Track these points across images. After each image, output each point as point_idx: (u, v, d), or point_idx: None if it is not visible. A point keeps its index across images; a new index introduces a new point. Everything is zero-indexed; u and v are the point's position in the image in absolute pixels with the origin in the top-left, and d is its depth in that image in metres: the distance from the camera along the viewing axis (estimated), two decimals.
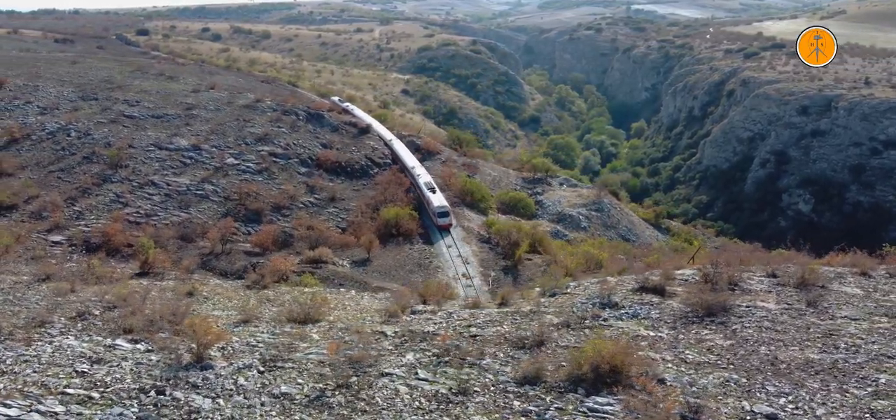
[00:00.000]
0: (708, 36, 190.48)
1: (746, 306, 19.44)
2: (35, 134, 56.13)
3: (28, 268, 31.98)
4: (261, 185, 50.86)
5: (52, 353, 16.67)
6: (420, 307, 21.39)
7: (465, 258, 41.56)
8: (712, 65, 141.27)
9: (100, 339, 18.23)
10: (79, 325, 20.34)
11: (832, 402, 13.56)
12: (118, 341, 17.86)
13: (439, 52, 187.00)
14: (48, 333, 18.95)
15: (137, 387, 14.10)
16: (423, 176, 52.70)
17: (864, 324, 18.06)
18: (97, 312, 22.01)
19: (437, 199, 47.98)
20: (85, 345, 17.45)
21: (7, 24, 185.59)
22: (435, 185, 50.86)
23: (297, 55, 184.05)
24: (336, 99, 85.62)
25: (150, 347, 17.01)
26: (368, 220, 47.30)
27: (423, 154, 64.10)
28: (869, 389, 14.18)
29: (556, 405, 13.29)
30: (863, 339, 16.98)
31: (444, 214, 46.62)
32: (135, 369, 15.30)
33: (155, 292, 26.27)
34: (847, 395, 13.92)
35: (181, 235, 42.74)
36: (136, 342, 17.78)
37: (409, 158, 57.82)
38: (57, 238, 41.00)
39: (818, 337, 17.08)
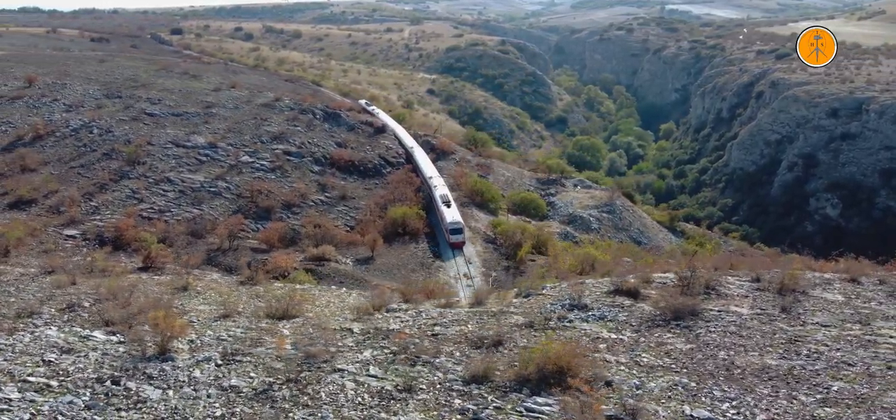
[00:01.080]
0: (741, 36, 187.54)
1: (718, 311, 19.29)
2: (59, 131, 57.75)
3: (37, 260, 32.93)
4: (273, 183, 51.64)
5: (29, 342, 17.26)
6: (395, 305, 21.61)
7: (469, 258, 41.73)
8: (742, 66, 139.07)
9: (79, 330, 18.81)
10: (65, 316, 20.98)
11: (776, 408, 13.46)
12: (95, 332, 18.40)
13: (467, 52, 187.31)
14: (33, 323, 19.59)
15: (96, 376, 14.58)
16: (440, 188, 49.86)
17: (833, 331, 17.80)
18: (87, 305, 22.64)
19: (452, 215, 44.80)
20: (62, 335, 18.02)
21: (48, 24, 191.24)
22: (451, 200, 47.78)
23: (326, 55, 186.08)
24: (363, 102, 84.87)
25: (122, 339, 17.50)
26: (377, 218, 47.75)
27: (438, 154, 64.46)
28: (818, 396, 14.02)
29: (495, 404, 13.42)
30: (827, 345, 16.76)
31: (458, 231, 43.35)
32: (100, 360, 15.80)
33: (150, 286, 26.95)
34: (794, 401, 13.79)
35: (191, 231, 43.64)
36: (113, 334, 18.30)
37: (428, 168, 55.40)
38: (71, 232, 42.18)
39: (782, 343, 16.90)
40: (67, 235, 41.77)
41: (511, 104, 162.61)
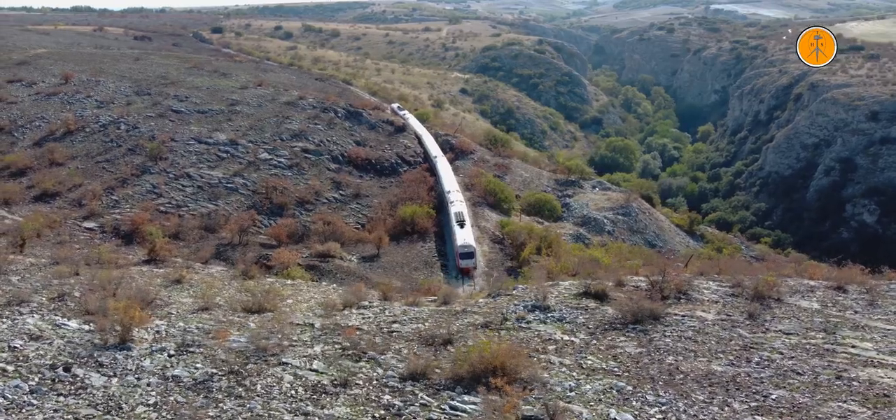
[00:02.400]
0: (784, 37, 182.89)
1: (681, 316, 19.12)
2: (89, 126, 59.70)
3: (49, 252, 34.19)
4: (289, 179, 52.53)
5: (4, 329, 18.03)
6: (367, 303, 21.92)
7: (477, 259, 41.76)
8: (783, 67, 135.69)
9: (56, 318, 19.55)
10: (52, 305, 21.79)
11: (706, 415, 13.35)
12: (71, 322, 19.11)
13: (503, 52, 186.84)
14: (18, 311, 20.42)
15: (51, 363, 15.20)
16: (457, 205, 46.77)
17: (793, 339, 17.50)
18: (77, 295, 23.49)
19: (464, 237, 41.18)
20: (38, 323, 18.77)
21: (97, 22, 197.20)
22: (467, 219, 44.54)
23: (363, 54, 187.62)
24: (395, 106, 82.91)
25: (92, 328, 18.15)
26: (388, 216, 48.18)
27: (457, 153, 64.64)
28: (752, 404, 13.86)
29: (423, 402, 13.60)
30: (782, 354, 16.50)
31: (469, 255, 39.65)
32: (62, 347, 16.44)
33: (146, 278, 27.78)
34: (726, 408, 13.66)
35: (205, 226, 44.76)
36: (87, 323, 18.98)
37: (449, 182, 52.48)
38: (90, 225, 43.67)
39: (735, 350, 16.69)
40: (86, 228, 43.26)
41: (545, 104, 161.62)
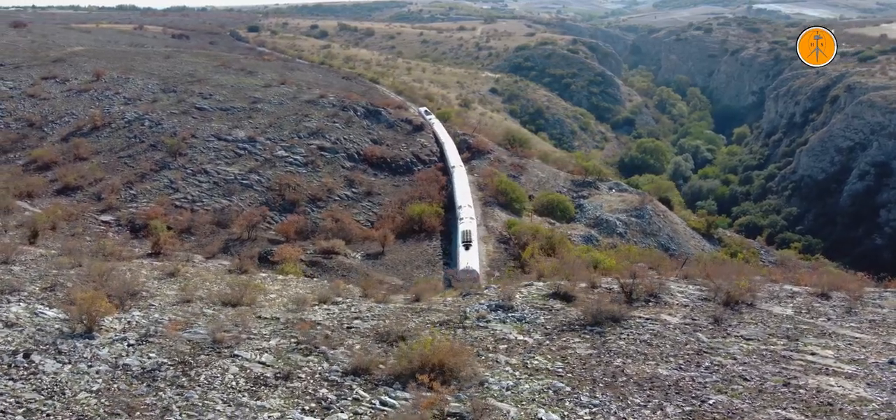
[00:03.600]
0: None
1: (644, 318, 19.02)
2: (115, 122, 61.41)
3: (61, 243, 35.37)
4: (303, 177, 53.28)
5: None
6: (340, 298, 22.26)
7: (478, 257, 41.85)
8: (819, 68, 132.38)
9: (39, 306, 20.30)
10: (42, 295, 22.62)
11: (635, 417, 13.33)
12: (49, 310, 19.82)
13: (536, 52, 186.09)
14: (7, 300, 21.27)
15: (13, 350, 15.84)
16: (466, 223, 42.76)
17: (752, 344, 17.29)
18: (70, 285, 24.31)
19: (466, 260, 37.30)
20: (19, 312, 19.53)
21: (139, 20, 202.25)
22: (473, 241, 40.17)
23: (397, 53, 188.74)
24: (422, 110, 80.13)
25: (66, 317, 18.82)
26: (397, 214, 48.56)
27: (473, 153, 64.73)
28: (687, 408, 13.79)
29: (356, 396, 13.86)
30: (735, 359, 16.34)
31: (471, 282, 32.92)
32: (31, 334, 17.10)
33: (141, 271, 28.57)
34: (658, 411, 13.62)
35: (217, 221, 45.73)
36: (65, 312, 19.67)
37: (463, 196, 48.73)
38: (106, 218, 45.01)
39: (688, 354, 16.57)
40: (103, 221, 44.60)
41: (577, 104, 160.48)
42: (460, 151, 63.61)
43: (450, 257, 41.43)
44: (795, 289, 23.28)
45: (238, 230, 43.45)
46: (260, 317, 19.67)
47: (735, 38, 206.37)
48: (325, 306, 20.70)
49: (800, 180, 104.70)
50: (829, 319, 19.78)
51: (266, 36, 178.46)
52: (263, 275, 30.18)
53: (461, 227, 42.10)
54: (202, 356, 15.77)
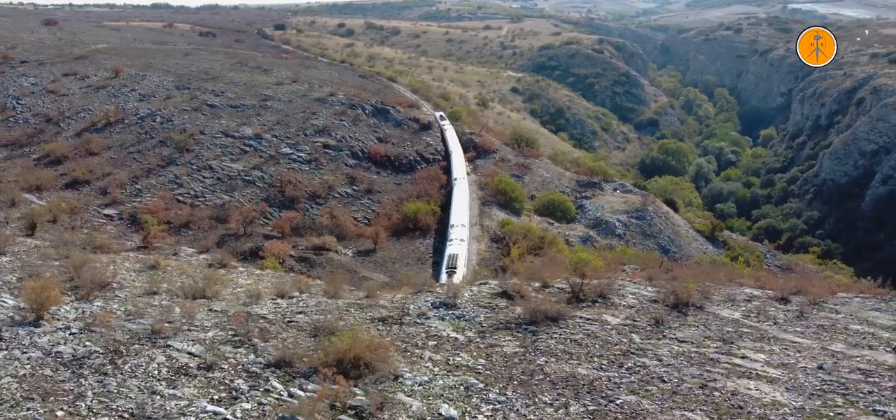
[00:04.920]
0: (858, 38, 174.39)
1: (585, 318, 19.10)
2: (128, 118, 62.82)
3: (54, 235, 36.45)
4: (305, 174, 53.95)
5: None
6: (297, 293, 22.68)
7: (469, 256, 42.04)
8: (848, 70, 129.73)
9: (3, 295, 21.09)
10: (16, 284, 23.46)
11: (535, 415, 13.48)
12: (11, 300, 20.54)
13: (560, 51, 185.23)
14: None
15: None
16: (455, 246, 38.94)
17: (684, 347, 17.30)
18: (47, 275, 25.14)
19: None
20: None
21: (170, 18, 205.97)
22: (459, 266, 36.11)
23: (421, 51, 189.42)
24: (439, 115, 76.81)
25: (24, 307, 19.53)
26: (394, 212, 48.95)
27: (479, 152, 64.81)
28: (592, 407, 13.91)
29: (267, 387, 14.22)
30: (660, 360, 16.37)
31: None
32: None
33: (123, 264, 29.35)
34: (562, 410, 13.76)
35: (216, 217, 46.58)
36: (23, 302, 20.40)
37: (458, 214, 45.05)
38: (109, 212, 46.14)
39: (614, 355, 16.63)
40: (105, 215, 45.74)
41: (600, 104, 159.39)
42: (466, 150, 63.78)
43: (440, 254, 41.65)
44: (755, 292, 23.10)
45: (234, 225, 44.19)
46: (211, 309, 20.16)
47: (765, 38, 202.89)
48: (276, 300, 21.11)
49: (822, 184, 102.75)
50: (775, 324, 19.64)
51: (291, 34, 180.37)
52: (242, 269, 30.77)
53: (448, 250, 38.65)
54: (136, 346, 16.27)
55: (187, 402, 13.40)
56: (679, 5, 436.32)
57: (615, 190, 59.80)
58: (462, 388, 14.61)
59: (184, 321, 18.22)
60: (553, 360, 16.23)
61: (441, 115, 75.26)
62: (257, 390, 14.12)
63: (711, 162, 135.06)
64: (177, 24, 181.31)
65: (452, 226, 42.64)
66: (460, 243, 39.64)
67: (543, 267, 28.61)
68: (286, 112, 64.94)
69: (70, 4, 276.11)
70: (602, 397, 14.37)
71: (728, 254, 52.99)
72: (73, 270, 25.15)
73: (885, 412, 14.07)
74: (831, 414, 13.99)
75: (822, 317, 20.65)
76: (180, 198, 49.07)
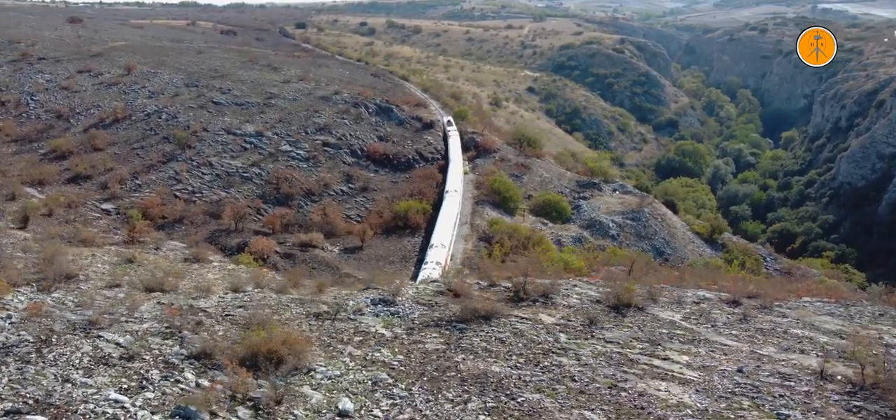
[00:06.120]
0: (885, 39, 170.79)
1: (520, 317, 19.22)
2: (135, 115, 64.07)
3: (43, 228, 37.40)
4: (303, 171, 54.58)
5: None
6: (250, 287, 23.10)
7: (454, 254, 42.25)
8: (871, 71, 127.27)
9: None
10: None
11: (433, 411, 13.68)
12: None
13: (580, 51, 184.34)
14: None
15: None
16: (429, 268, 34.77)
17: (608, 347, 17.35)
18: (20, 267, 25.94)
19: None
20: None
21: (196, 17, 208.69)
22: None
23: (441, 50, 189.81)
24: (446, 120, 72.87)
25: None
26: (386, 210, 49.30)
27: (479, 151, 64.93)
28: (491, 404, 14.07)
29: (177, 378, 14.60)
30: (579, 360, 16.46)
31: None
32: None
33: (101, 257, 30.10)
34: (460, 406, 13.93)
35: (210, 212, 47.38)
36: None
37: (441, 233, 40.98)
38: (107, 206, 47.15)
39: (534, 354, 16.75)
40: (103, 209, 46.77)
41: (619, 104, 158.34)
42: (467, 149, 63.94)
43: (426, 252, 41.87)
44: (708, 294, 22.99)
45: (226, 221, 44.89)
46: (160, 302, 20.64)
47: (790, 38, 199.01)
48: (226, 295, 21.55)
49: (839, 187, 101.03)
50: (713, 326, 19.57)
51: (312, 33, 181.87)
52: (216, 264, 31.34)
53: (422, 274, 34.37)
54: (68, 336, 16.78)
55: (95, 391, 13.82)
56: (707, 5, 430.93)
57: (615, 191, 59.53)
58: (370, 383, 14.86)
59: (126, 313, 18.71)
60: (471, 357, 16.40)
61: (448, 120, 72.39)
62: (168, 380, 14.51)
63: (729, 164, 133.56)
64: (200, 22, 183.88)
65: (432, 246, 38.62)
66: (436, 267, 34.87)
67: (512, 268, 28.72)
68: (289, 110, 65.70)
69: (100, 2, 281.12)
70: (505, 395, 14.51)
71: (726, 256, 52.43)
72: (43, 262, 25.94)
73: (789, 416, 14.04)
74: (733, 416, 13.99)
75: (766, 320, 20.51)
76: (178, 193, 49.96)
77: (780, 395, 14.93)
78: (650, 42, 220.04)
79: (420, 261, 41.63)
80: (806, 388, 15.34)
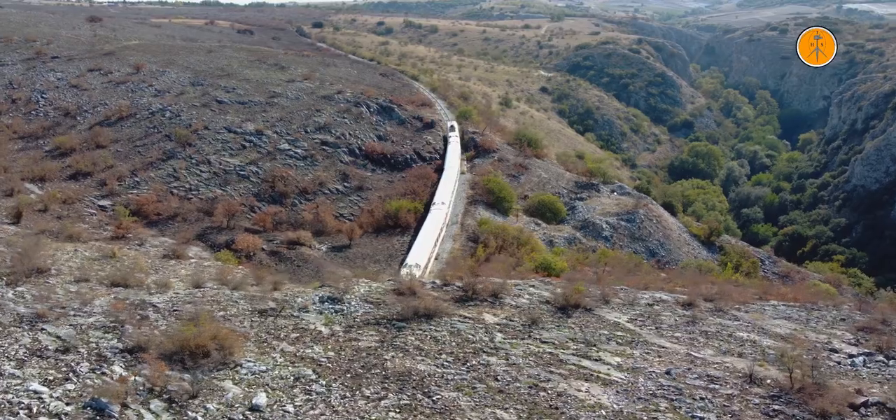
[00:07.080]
0: None
1: (462, 317, 19.36)
2: (140, 113, 65.02)
3: (35, 223, 38.20)
4: (298, 170, 55.04)
5: None
6: (212, 285, 23.45)
7: (440, 254, 42.43)
8: (888, 73, 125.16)
9: None
10: None
11: (344, 406, 13.88)
12: None
13: (596, 51, 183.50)
14: None
15: None
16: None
17: (543, 347, 17.44)
18: None
19: None
20: None
21: (216, 16, 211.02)
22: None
23: (457, 50, 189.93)
24: (450, 125, 70.88)
25: None
26: (378, 209, 49.55)
27: (479, 151, 64.96)
28: (406, 401, 14.23)
29: (104, 371, 14.95)
30: (507, 359, 16.57)
31: None
32: None
33: (82, 252, 30.71)
34: (373, 403, 14.12)
35: (204, 209, 47.98)
36: None
37: (418, 251, 39.03)
38: (104, 203, 47.92)
39: (464, 353, 16.89)
40: (100, 206, 47.58)
41: (634, 105, 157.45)
42: (466, 149, 64.05)
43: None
44: (664, 296, 22.98)
45: (218, 219, 45.43)
46: (117, 298, 21.06)
47: None
48: (181, 291, 21.92)
49: (852, 190, 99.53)
50: (657, 328, 19.58)
51: (328, 32, 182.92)
52: (193, 260, 31.81)
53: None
54: (12, 328, 17.23)
55: (20, 382, 14.21)
56: (730, 5, 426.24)
57: (612, 192, 59.28)
58: (292, 378, 15.10)
59: (77, 307, 19.14)
60: (400, 355, 16.58)
61: (452, 125, 70.45)
62: (94, 373, 14.87)
63: (744, 166, 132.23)
64: (219, 21, 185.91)
65: (408, 265, 34.53)
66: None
67: (485, 269, 28.89)
68: (291, 109, 66.26)
69: (123, 1, 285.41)
70: (422, 393, 14.68)
71: (722, 259, 52.04)
72: (19, 257, 26.57)
73: (703, 419, 14.06)
74: (646, 418, 14.03)
75: (715, 323, 20.47)
76: (174, 190, 50.65)
77: (701, 398, 14.96)
78: (668, 42, 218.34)
79: (403, 261, 41.88)
80: (729, 392, 15.34)
